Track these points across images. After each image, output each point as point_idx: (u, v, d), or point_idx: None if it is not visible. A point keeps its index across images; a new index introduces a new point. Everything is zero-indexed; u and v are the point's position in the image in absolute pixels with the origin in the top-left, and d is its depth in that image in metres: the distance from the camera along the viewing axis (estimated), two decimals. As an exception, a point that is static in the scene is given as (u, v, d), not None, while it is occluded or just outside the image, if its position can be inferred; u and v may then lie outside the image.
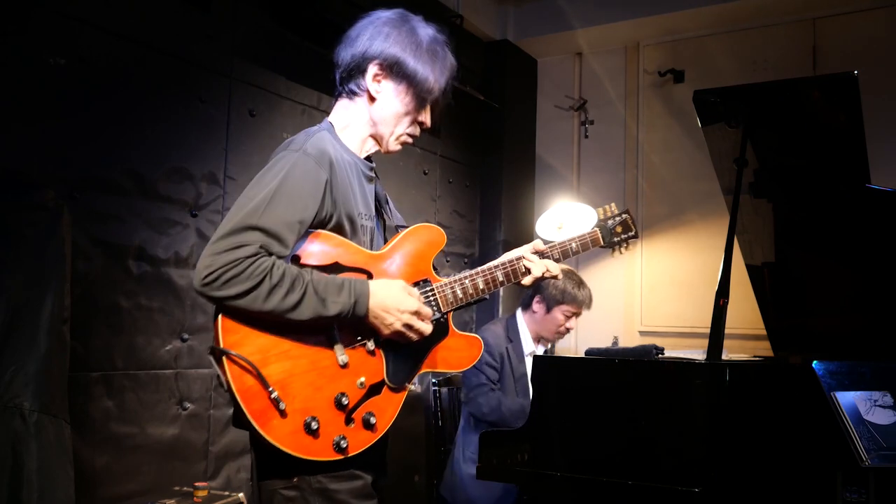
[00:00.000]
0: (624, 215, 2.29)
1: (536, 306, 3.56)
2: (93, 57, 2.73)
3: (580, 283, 3.56)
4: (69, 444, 2.35)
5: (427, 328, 1.78)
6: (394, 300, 1.72)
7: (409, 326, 1.74)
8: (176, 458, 2.98)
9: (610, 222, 2.27)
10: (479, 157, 5.08)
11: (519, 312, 3.66)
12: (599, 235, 2.24)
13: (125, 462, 2.79)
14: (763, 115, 2.58)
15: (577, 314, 3.58)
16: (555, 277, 2.07)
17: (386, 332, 1.73)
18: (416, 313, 1.75)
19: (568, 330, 3.61)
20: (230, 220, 1.60)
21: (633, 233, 2.30)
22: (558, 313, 3.53)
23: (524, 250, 2.08)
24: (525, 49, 5.33)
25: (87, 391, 2.69)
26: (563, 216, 4.72)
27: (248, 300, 1.57)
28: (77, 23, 2.69)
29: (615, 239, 2.28)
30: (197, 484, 2.77)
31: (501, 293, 4.93)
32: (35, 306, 2.30)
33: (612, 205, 2.31)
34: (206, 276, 1.55)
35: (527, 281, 2.04)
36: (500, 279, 1.98)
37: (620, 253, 2.31)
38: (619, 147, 5.16)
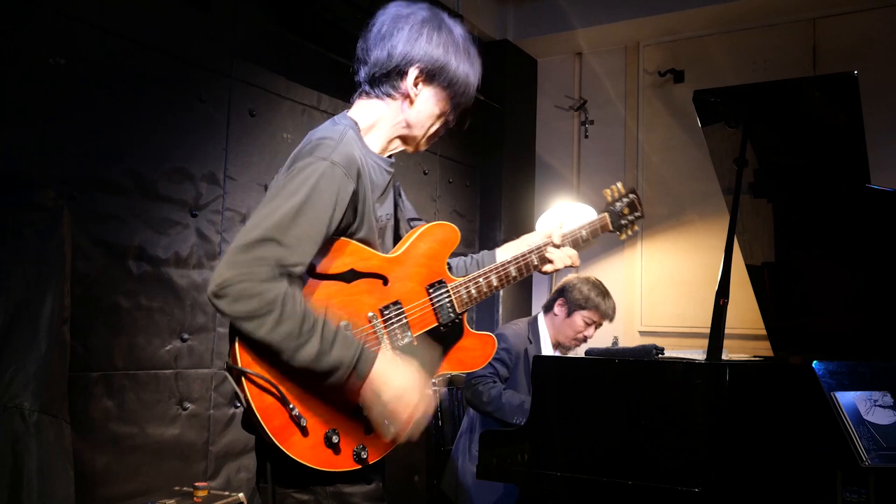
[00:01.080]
0: (631, 196, 2.26)
1: (558, 309, 3.55)
2: (93, 57, 2.73)
3: (605, 294, 3.55)
4: (69, 444, 2.35)
5: (422, 424, 1.66)
6: (399, 384, 1.62)
7: (407, 417, 1.62)
8: (176, 458, 2.98)
9: (618, 205, 2.25)
10: (479, 157, 5.08)
11: (541, 315, 3.65)
12: (609, 220, 2.22)
13: (125, 462, 2.79)
14: (763, 115, 2.58)
15: (597, 324, 3.57)
16: (575, 266, 2.09)
17: (376, 407, 1.61)
18: (417, 407, 1.63)
19: (586, 338, 3.60)
20: (252, 231, 1.54)
21: (639, 213, 2.27)
22: (578, 318, 3.52)
23: (536, 239, 2.08)
24: (525, 49, 5.33)
25: (87, 391, 2.69)
26: (563, 216, 4.72)
27: (253, 324, 1.51)
28: (77, 23, 2.69)
29: (623, 221, 2.25)
30: (197, 484, 2.77)
31: (502, 294, 4.93)
32: (35, 306, 2.30)
33: (619, 185, 2.27)
34: (218, 286, 1.50)
35: (548, 268, 2.06)
36: (514, 274, 1.98)
37: (628, 235, 2.28)
38: (619, 147, 5.16)
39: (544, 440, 2.46)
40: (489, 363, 3.36)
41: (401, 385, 1.62)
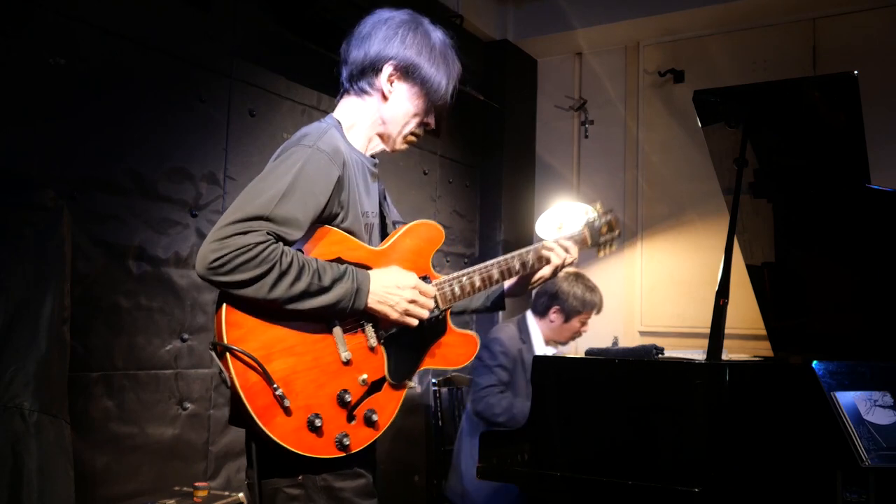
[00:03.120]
0: (608, 215, 2.32)
1: (554, 316, 3.59)
2: (93, 57, 2.73)
3: (593, 289, 3.62)
4: (69, 444, 2.35)
5: (430, 303, 1.81)
6: (393, 279, 1.75)
7: (413, 302, 1.76)
8: (176, 458, 2.98)
9: (597, 223, 2.30)
10: (479, 157, 5.08)
11: (529, 314, 3.66)
12: (588, 236, 2.27)
13: (125, 462, 2.79)
14: (763, 115, 2.58)
15: (589, 318, 3.64)
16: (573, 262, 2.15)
17: (392, 315, 1.74)
18: (416, 288, 1.77)
19: (582, 334, 3.66)
20: (240, 209, 1.59)
21: (616, 232, 2.34)
22: (576, 322, 3.59)
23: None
24: (525, 49, 5.33)
25: (87, 391, 2.69)
26: (563, 216, 4.71)
27: (254, 288, 1.56)
28: (77, 23, 2.69)
29: (601, 239, 2.31)
30: (197, 484, 2.77)
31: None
32: (35, 306, 2.30)
33: (598, 204, 2.34)
34: (214, 261, 1.53)
35: (546, 272, 2.11)
36: (496, 276, 2.01)
37: (605, 253, 2.34)
38: (619, 147, 5.16)
39: (544, 440, 2.46)
40: (492, 371, 3.40)
41: (395, 282, 1.74)
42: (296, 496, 1.67)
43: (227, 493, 2.81)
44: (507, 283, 2.18)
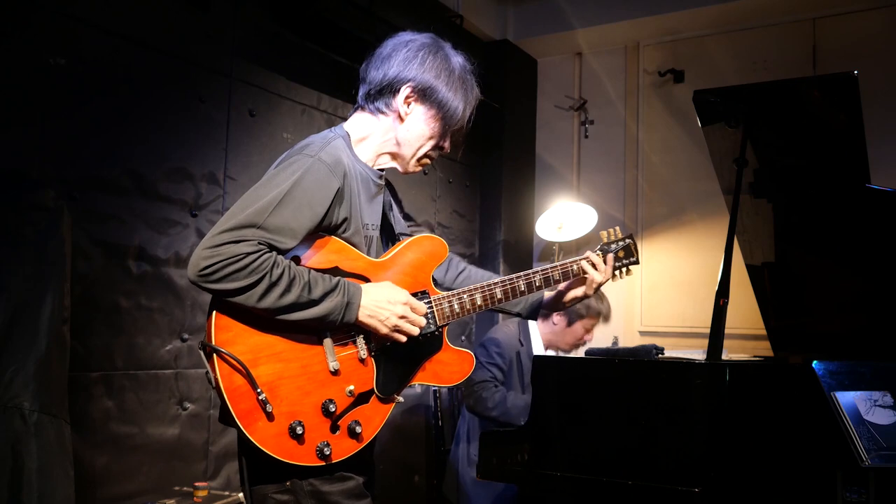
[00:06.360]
0: (627, 240, 2.28)
1: (557, 319, 3.55)
2: (93, 57, 2.73)
3: (601, 297, 3.55)
4: (69, 444, 2.34)
5: (421, 321, 1.80)
6: (384, 294, 1.74)
7: (403, 318, 1.75)
8: (176, 458, 2.98)
9: (613, 246, 2.26)
10: (479, 157, 5.08)
11: None
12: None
13: (125, 462, 2.79)
14: (763, 115, 2.58)
15: (595, 326, 3.59)
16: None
17: (382, 329, 1.73)
18: (407, 304, 1.76)
19: (585, 342, 3.61)
20: (235, 216, 1.60)
21: (634, 258, 2.29)
22: (579, 327, 3.53)
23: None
24: (525, 49, 5.33)
25: (87, 391, 2.69)
26: (563, 216, 4.72)
27: (244, 297, 1.57)
28: (77, 23, 2.69)
29: (617, 264, 2.27)
30: (197, 484, 2.77)
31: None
32: (35, 306, 2.30)
33: (617, 229, 2.31)
34: (205, 268, 1.55)
35: (578, 292, 2.12)
36: (499, 296, 1.99)
37: (621, 278, 2.30)
38: (619, 147, 5.16)
39: (544, 440, 2.46)
40: (487, 368, 3.39)
41: (387, 297, 1.74)
42: (284, 502, 1.68)
43: (227, 493, 2.81)
44: (547, 294, 2.16)
